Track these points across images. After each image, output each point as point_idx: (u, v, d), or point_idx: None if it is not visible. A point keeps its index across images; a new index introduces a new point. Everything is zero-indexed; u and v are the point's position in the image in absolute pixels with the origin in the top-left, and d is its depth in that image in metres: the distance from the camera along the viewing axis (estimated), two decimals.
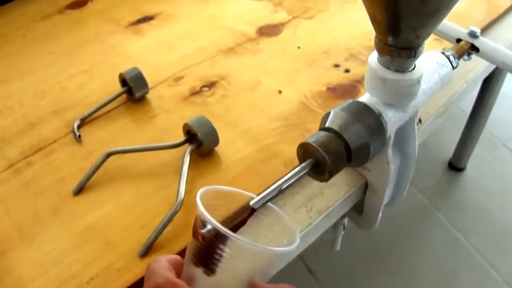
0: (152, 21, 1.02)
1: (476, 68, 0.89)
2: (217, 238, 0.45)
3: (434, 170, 1.73)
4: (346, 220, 0.83)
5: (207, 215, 0.45)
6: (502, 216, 1.59)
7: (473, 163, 1.72)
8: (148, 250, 0.60)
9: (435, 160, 1.75)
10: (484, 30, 0.96)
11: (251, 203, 0.49)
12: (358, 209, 0.77)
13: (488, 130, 1.78)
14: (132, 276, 0.58)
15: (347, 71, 0.87)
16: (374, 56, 0.58)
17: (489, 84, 1.40)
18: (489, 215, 1.60)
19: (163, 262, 0.47)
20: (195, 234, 0.47)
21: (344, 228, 0.85)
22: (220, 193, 0.53)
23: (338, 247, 0.90)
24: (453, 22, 0.72)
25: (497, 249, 1.51)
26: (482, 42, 0.71)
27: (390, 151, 0.62)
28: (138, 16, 1.03)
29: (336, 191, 0.70)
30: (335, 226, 0.84)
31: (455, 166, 1.72)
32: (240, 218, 0.51)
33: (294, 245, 0.48)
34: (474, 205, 1.63)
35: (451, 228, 1.56)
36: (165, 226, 0.61)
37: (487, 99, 1.45)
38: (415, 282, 1.45)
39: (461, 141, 1.65)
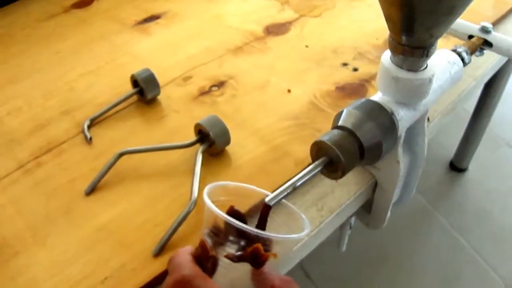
0: (158, 20, 1.02)
1: (483, 66, 0.90)
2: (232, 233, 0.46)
3: (435, 171, 1.71)
4: (353, 220, 0.83)
5: (220, 212, 0.45)
6: (504, 218, 1.58)
7: (475, 164, 1.71)
8: (162, 249, 0.60)
9: (436, 160, 1.74)
10: (493, 26, 0.96)
11: (266, 200, 0.49)
12: (367, 208, 0.77)
13: (491, 130, 1.76)
14: (146, 276, 0.58)
15: (355, 70, 0.88)
16: (386, 55, 0.58)
17: (493, 83, 1.40)
18: (490, 217, 1.58)
19: (187, 255, 0.47)
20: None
21: (350, 228, 0.86)
22: (226, 188, 0.53)
23: (344, 247, 0.90)
24: (462, 19, 0.72)
25: (499, 251, 1.49)
26: (495, 37, 0.71)
27: (400, 149, 0.63)
28: (144, 15, 1.04)
29: (346, 190, 0.70)
30: (342, 226, 0.84)
31: (457, 166, 1.71)
32: (256, 215, 0.51)
33: (306, 232, 0.49)
34: (475, 207, 1.61)
35: (452, 230, 1.55)
36: (179, 225, 0.61)
37: (490, 98, 1.45)
38: (415, 285, 1.43)
39: (463, 141, 1.64)
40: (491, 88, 1.42)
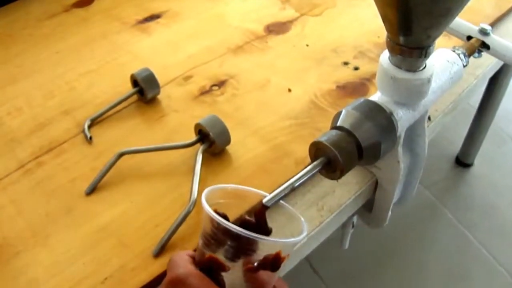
0: (159, 20, 1.02)
1: (485, 64, 0.89)
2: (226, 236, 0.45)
3: (441, 166, 1.72)
4: (355, 218, 0.83)
5: (213, 213, 0.45)
6: (510, 213, 1.58)
7: (481, 159, 1.71)
8: (162, 249, 0.61)
9: (442, 156, 1.74)
10: (493, 24, 0.96)
11: (264, 201, 0.49)
12: (368, 207, 0.77)
13: (496, 125, 1.76)
14: (146, 276, 0.59)
15: (356, 68, 0.87)
16: (385, 55, 0.58)
17: (497, 79, 1.40)
18: (497, 212, 1.58)
19: (184, 255, 0.48)
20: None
21: (353, 226, 0.85)
22: (225, 191, 0.53)
23: (346, 246, 0.90)
24: (463, 18, 0.72)
25: (506, 246, 1.49)
26: (493, 39, 0.70)
27: (400, 149, 0.63)
28: (145, 14, 1.03)
29: (347, 190, 0.70)
30: (344, 225, 0.84)
31: (463, 162, 1.71)
32: (251, 215, 0.51)
33: (302, 236, 0.49)
34: (482, 202, 1.61)
35: (459, 225, 1.55)
36: (179, 225, 0.61)
37: (495, 93, 1.44)
38: (422, 281, 1.44)
39: (468, 136, 1.64)
40: (495, 83, 1.42)
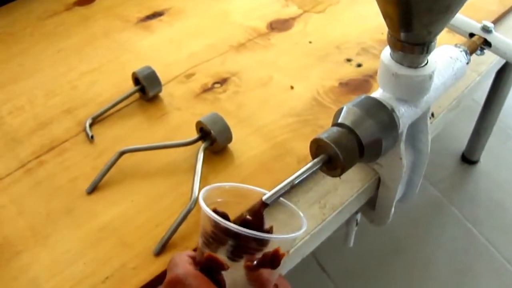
0: (161, 17, 1.02)
1: (489, 61, 0.89)
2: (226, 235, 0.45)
3: (446, 163, 1.71)
4: (359, 216, 0.83)
5: (211, 212, 0.45)
6: None
7: (487, 156, 1.70)
8: (163, 248, 0.60)
9: (447, 152, 1.73)
10: (497, 21, 0.95)
11: (264, 198, 0.49)
12: (371, 204, 0.76)
13: (502, 122, 1.74)
14: (147, 275, 0.58)
15: (359, 65, 0.87)
16: (386, 52, 0.57)
17: (503, 75, 1.39)
18: (503, 208, 1.57)
19: (184, 256, 0.48)
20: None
21: (357, 224, 0.85)
22: (224, 190, 0.52)
23: (351, 244, 0.89)
24: (466, 13, 0.71)
25: (511, 242, 1.49)
26: (495, 37, 0.70)
27: (402, 146, 0.62)
28: (147, 12, 1.03)
29: (349, 187, 0.69)
30: (348, 222, 0.84)
31: (468, 158, 1.70)
32: (251, 213, 0.50)
33: (301, 231, 0.48)
34: (488, 198, 1.61)
35: (465, 221, 1.54)
36: (179, 224, 0.61)
37: (500, 89, 1.43)
38: (428, 277, 1.43)
39: (474, 133, 1.63)
40: (501, 79, 1.41)
